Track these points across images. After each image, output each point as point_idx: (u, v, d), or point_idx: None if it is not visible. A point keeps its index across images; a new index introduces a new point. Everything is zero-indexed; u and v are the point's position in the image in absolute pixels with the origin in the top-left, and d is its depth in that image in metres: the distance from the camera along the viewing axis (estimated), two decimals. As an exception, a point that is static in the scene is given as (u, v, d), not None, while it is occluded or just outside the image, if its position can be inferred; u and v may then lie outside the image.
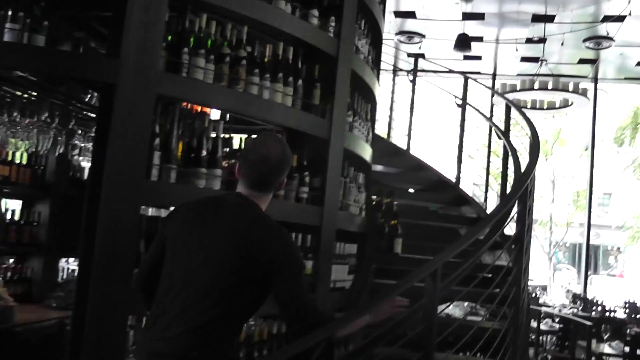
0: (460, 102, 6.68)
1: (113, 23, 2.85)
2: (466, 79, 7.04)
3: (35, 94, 4.56)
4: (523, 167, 4.28)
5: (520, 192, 3.49)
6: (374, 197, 4.83)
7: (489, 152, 7.18)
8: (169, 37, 2.95)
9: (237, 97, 3.13)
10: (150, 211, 3.21)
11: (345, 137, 3.83)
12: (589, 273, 13.34)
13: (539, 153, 4.18)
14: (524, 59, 11.59)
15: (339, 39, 3.67)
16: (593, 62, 11.45)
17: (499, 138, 6.10)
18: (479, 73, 12.46)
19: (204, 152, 3.07)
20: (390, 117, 9.44)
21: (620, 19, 9.33)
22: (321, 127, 3.62)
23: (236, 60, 3.15)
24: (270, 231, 2.34)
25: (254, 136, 2.84)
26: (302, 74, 3.53)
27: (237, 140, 3.83)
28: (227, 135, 3.68)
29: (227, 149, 3.51)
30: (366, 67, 4.18)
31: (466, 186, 8.79)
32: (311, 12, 3.54)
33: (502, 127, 6.18)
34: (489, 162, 7.17)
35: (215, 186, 3.09)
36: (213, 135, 3.15)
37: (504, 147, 5.88)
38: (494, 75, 12.62)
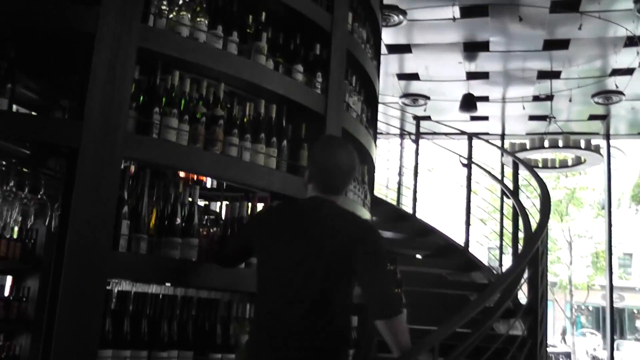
0: (465, 161, 6.45)
1: (77, 82, 2.67)
2: (470, 138, 6.83)
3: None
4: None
5: (530, 254, 3.20)
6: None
7: (502, 214, 6.93)
8: (139, 96, 2.76)
9: (213, 159, 2.91)
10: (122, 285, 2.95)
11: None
12: (614, 338, 12.78)
13: (550, 212, 3.91)
14: (532, 118, 11.42)
15: (327, 96, 3.48)
16: (603, 117, 11.25)
17: (508, 198, 5.83)
18: (487, 134, 12.28)
19: (179, 220, 2.83)
20: (399, 182, 9.24)
21: (629, 71, 9.18)
22: (310, 191, 3.37)
23: (213, 120, 2.95)
24: (362, 223, 2.58)
25: (321, 140, 2.84)
26: (287, 134, 3.32)
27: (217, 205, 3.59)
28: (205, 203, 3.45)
29: (206, 216, 3.26)
30: (359, 125, 3.98)
31: (479, 250, 8.46)
32: (295, 68, 3.36)
33: (512, 187, 5.93)
34: (502, 224, 6.90)
35: (192, 256, 2.84)
36: (189, 200, 2.92)
37: (514, 207, 5.61)
38: (502, 136, 12.44)
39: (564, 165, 10.53)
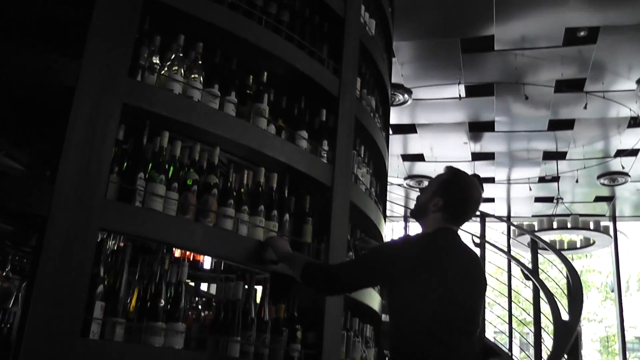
0: (477, 240, 6.00)
1: (53, 141, 2.28)
2: (483, 217, 6.42)
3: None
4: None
5: (569, 344, 2.71)
6: (387, 352, 4.02)
7: (510, 297, 6.45)
8: (123, 160, 2.37)
9: (205, 232, 2.48)
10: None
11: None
12: None
13: (583, 297, 3.43)
14: (538, 199, 11.04)
15: (334, 165, 3.08)
16: (609, 199, 10.86)
17: (527, 279, 5.34)
18: (492, 216, 11.84)
19: (163, 302, 2.38)
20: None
21: (634, 152, 8.86)
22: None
23: (206, 188, 2.54)
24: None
25: (456, 171, 2.59)
26: (289, 206, 2.90)
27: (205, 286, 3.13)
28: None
29: (196, 298, 2.80)
30: (369, 200, 3.57)
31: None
32: (299, 134, 2.98)
33: (528, 268, 5.47)
34: (510, 308, 6.43)
35: (177, 344, 2.37)
36: (176, 279, 2.48)
37: (534, 289, 5.12)
38: (508, 217, 12.00)
39: (572, 247, 10.04)
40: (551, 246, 5.64)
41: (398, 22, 6.92)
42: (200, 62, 2.63)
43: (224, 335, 2.52)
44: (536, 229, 9.34)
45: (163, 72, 2.51)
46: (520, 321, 10.69)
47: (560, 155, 9.35)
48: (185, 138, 2.58)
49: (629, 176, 9.47)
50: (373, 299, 3.53)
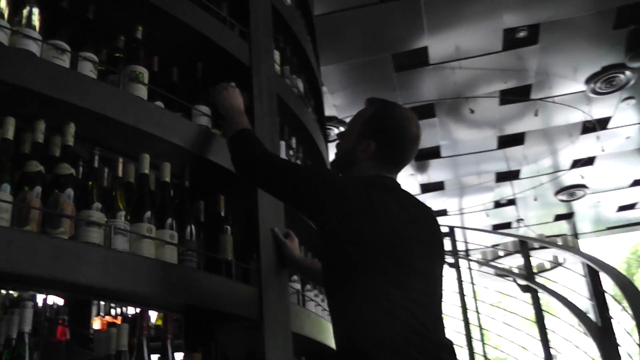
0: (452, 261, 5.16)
1: None
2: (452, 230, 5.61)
3: None
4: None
5: None
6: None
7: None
8: None
9: (56, 249, 1.52)
10: None
11: None
12: None
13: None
14: (496, 227, 10.33)
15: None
16: (569, 216, 10.25)
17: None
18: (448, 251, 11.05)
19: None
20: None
21: (590, 161, 8.31)
22: None
23: (56, 185, 1.60)
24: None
25: (387, 104, 1.95)
26: (193, 211, 1.98)
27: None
28: None
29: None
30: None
31: None
32: (197, 108, 2.08)
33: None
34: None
35: None
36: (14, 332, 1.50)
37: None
38: (466, 252, 11.22)
39: (541, 269, 9.27)
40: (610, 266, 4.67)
41: (321, 46, 6.25)
42: (37, 5, 1.73)
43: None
44: (501, 254, 8.56)
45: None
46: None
47: (513, 175, 8.71)
48: (23, 112, 1.66)
49: (587, 188, 8.89)
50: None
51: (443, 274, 1.85)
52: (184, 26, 2.12)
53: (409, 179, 8.79)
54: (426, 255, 1.76)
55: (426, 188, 9.03)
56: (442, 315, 1.77)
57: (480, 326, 6.29)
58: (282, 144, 2.51)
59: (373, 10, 5.77)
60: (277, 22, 2.75)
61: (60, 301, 2.63)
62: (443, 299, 1.81)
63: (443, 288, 1.84)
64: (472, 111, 7.02)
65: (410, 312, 1.61)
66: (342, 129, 7.63)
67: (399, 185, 1.90)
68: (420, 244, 1.74)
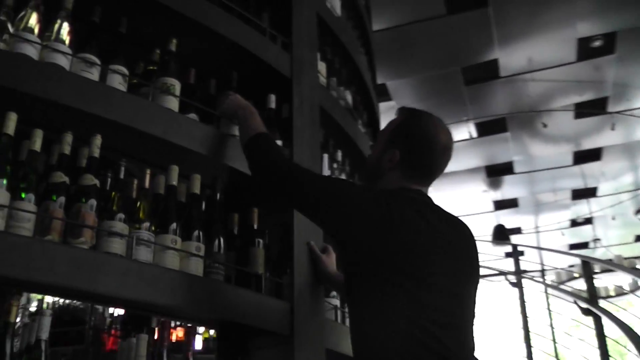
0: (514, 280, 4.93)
1: None
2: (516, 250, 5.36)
3: None
4: None
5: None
6: None
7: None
8: None
9: (74, 259, 1.52)
10: None
11: None
12: None
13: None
14: (573, 247, 9.85)
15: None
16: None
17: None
18: (524, 271, 10.63)
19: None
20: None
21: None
22: None
23: (80, 195, 1.61)
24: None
25: (416, 112, 1.85)
26: (224, 224, 1.95)
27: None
28: None
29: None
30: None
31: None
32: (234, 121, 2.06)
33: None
34: None
35: None
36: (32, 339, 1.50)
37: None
38: (542, 272, 10.76)
39: (620, 293, 8.74)
40: None
41: (389, 60, 6.17)
42: (68, 20, 1.75)
43: None
44: (577, 275, 8.12)
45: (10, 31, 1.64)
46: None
47: (590, 192, 8.29)
48: (49, 124, 1.67)
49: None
50: None
51: (476, 295, 1.73)
52: (219, 37, 2.10)
53: (481, 196, 8.53)
54: (455, 273, 1.64)
55: (499, 205, 8.73)
56: (471, 338, 1.64)
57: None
58: (325, 156, 2.45)
59: (441, 23, 5.65)
60: (324, 34, 2.71)
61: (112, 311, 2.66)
62: (474, 322, 1.69)
63: (475, 310, 1.72)
64: (545, 125, 6.74)
65: (427, 332, 1.50)
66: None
67: (427, 198, 1.78)
68: (446, 260, 1.63)
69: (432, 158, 1.76)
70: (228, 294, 1.80)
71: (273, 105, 2.21)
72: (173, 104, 1.89)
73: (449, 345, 1.52)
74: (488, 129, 7.15)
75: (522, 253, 10.02)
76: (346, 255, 1.69)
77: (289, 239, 2.05)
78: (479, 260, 1.81)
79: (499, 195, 8.53)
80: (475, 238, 1.84)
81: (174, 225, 1.75)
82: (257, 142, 1.81)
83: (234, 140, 2.00)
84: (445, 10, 5.56)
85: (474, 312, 1.70)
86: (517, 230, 9.38)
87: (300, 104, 2.28)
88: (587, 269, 4.47)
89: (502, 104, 6.74)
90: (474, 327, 1.68)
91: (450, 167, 6.80)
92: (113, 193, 1.70)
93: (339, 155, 2.62)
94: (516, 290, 5.76)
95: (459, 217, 1.82)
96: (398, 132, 1.81)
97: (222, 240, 1.86)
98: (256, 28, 2.27)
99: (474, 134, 7.22)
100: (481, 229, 9.09)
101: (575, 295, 4.29)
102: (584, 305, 4.05)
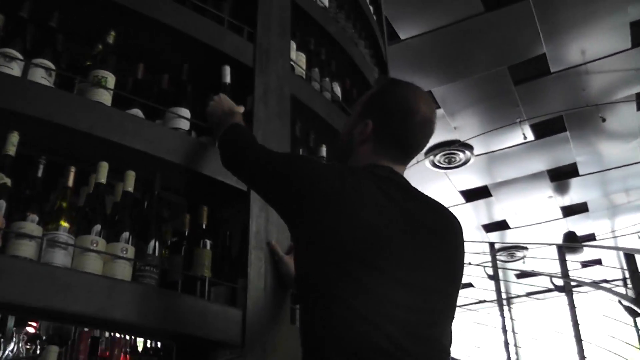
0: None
1: None
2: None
3: None
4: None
5: None
6: None
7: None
8: None
9: None
10: None
11: None
12: None
13: None
14: (655, 251, 9.09)
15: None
16: None
17: None
18: (605, 281, 9.90)
19: None
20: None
21: None
22: None
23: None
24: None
25: (390, 80, 1.67)
26: (161, 224, 1.78)
27: None
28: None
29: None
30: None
31: None
32: (172, 111, 1.89)
33: None
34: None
35: None
36: None
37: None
38: (624, 280, 9.99)
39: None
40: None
41: (431, 66, 5.90)
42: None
43: None
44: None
45: None
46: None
47: (668, 190, 7.64)
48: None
49: None
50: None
51: (451, 290, 1.46)
52: (168, 29, 1.96)
53: (547, 202, 8.02)
54: (422, 262, 1.39)
55: (568, 211, 8.17)
56: (439, 338, 1.37)
57: None
58: (300, 152, 2.24)
59: (480, 21, 5.34)
60: (308, 24, 2.54)
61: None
62: (447, 320, 1.43)
63: (449, 306, 1.45)
64: (603, 119, 6.23)
65: (382, 332, 1.26)
66: (467, 153, 7.15)
67: (398, 176, 1.54)
68: (413, 247, 1.39)
69: (409, 130, 1.53)
70: (162, 300, 1.61)
71: (227, 79, 2.03)
72: (105, 97, 1.75)
73: (410, 348, 1.27)
74: (545, 129, 6.70)
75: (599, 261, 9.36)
76: (297, 244, 1.47)
77: (244, 237, 1.86)
78: (464, 252, 1.55)
79: (567, 200, 7.98)
80: (462, 227, 1.59)
81: (97, 226, 1.60)
82: (228, 132, 1.69)
83: (178, 134, 1.84)
84: (483, 7, 5.25)
85: (444, 310, 1.44)
86: (592, 237, 8.74)
87: (264, 94, 2.10)
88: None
89: (557, 101, 6.29)
90: (449, 328, 1.42)
91: (510, 174, 6.35)
92: (28, 192, 1.56)
93: (324, 150, 2.40)
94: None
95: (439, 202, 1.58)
96: (372, 101, 1.60)
97: (157, 241, 1.68)
98: (215, 18, 2.12)
99: (531, 136, 6.78)
100: (552, 238, 8.53)
101: (619, 294, 3.82)
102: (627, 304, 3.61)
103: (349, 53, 2.73)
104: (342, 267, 1.31)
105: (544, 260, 8.09)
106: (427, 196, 1.56)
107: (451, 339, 1.42)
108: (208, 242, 1.80)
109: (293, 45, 2.39)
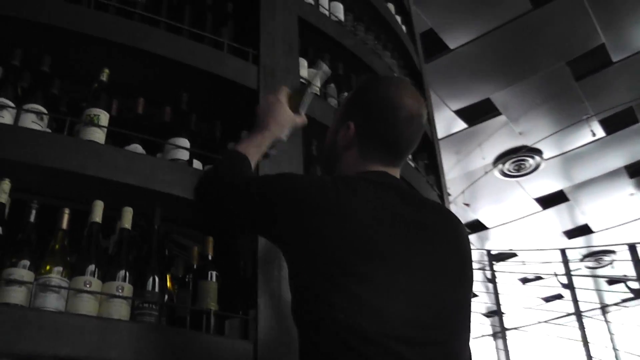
0: None
1: None
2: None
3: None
4: None
5: None
6: None
7: None
8: None
9: None
10: None
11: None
12: None
13: None
14: None
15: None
16: None
17: None
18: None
19: None
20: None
21: None
22: None
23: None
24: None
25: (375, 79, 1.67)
26: (164, 266, 1.72)
27: None
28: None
29: None
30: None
31: None
32: (173, 142, 1.84)
33: None
34: None
35: None
36: None
37: None
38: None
39: None
40: None
41: (486, 72, 5.68)
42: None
43: None
44: None
45: None
46: None
47: None
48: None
49: None
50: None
51: (460, 294, 1.32)
52: (161, 59, 1.92)
53: (629, 200, 7.52)
54: (424, 269, 1.27)
55: (654, 208, 7.64)
56: (445, 342, 1.23)
57: None
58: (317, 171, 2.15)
59: (528, 20, 5.11)
60: (325, 39, 2.47)
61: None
62: (458, 325, 1.28)
63: (459, 310, 1.30)
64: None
65: (381, 347, 1.13)
66: (537, 157, 6.83)
67: (394, 180, 1.41)
68: (413, 255, 1.27)
69: (394, 127, 1.40)
70: (161, 337, 1.54)
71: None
72: (97, 135, 1.72)
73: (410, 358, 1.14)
74: (615, 123, 6.30)
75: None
76: (291, 266, 1.35)
77: (253, 268, 1.77)
78: (470, 254, 1.41)
79: (651, 196, 7.47)
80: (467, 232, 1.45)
81: (91, 266, 1.55)
82: (224, 158, 1.52)
83: (177, 165, 1.78)
84: (531, 5, 5.02)
85: (463, 324, 1.29)
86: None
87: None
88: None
89: (624, 91, 5.90)
90: (463, 334, 1.28)
91: (585, 174, 5.97)
92: (20, 236, 1.54)
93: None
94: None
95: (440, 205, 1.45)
96: (352, 101, 1.49)
97: (155, 277, 1.62)
98: (214, 44, 2.07)
99: (601, 132, 6.40)
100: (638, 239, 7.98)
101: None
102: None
103: (369, 64, 2.62)
104: (338, 282, 1.19)
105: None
106: (427, 199, 1.47)
107: (465, 345, 1.28)
108: (214, 274, 1.72)
109: (304, 62, 2.31)
